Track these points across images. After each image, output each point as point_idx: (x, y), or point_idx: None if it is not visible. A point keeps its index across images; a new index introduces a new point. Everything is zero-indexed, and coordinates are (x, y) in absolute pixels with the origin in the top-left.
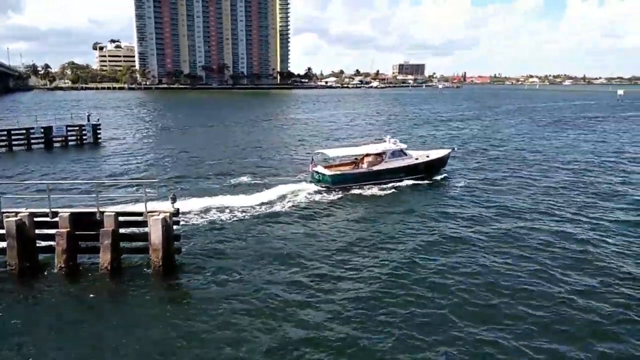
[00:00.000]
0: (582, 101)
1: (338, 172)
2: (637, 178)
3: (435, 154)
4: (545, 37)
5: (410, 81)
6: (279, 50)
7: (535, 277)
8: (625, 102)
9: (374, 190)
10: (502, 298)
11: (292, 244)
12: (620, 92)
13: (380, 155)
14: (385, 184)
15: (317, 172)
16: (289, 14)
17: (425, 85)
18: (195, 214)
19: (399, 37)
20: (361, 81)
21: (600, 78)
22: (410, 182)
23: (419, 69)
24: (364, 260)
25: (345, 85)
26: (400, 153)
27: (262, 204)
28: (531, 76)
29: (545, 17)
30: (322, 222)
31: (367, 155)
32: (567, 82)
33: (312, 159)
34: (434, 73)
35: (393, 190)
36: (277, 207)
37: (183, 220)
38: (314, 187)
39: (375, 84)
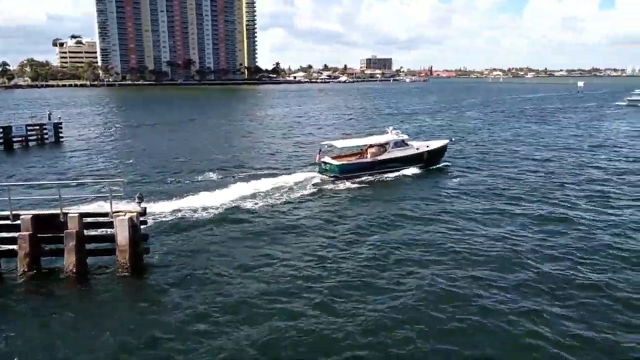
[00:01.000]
0: (545, 93)
1: (345, 162)
2: (601, 163)
3: (435, 144)
4: (508, 31)
5: (378, 75)
6: (246, 45)
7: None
8: (585, 94)
9: (379, 179)
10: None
11: (270, 238)
12: (580, 83)
13: (383, 146)
14: (389, 173)
15: (325, 163)
16: (255, 9)
17: (393, 80)
18: (164, 213)
19: (366, 33)
20: (329, 76)
21: (561, 70)
22: (412, 171)
23: (386, 63)
24: (348, 252)
25: (313, 80)
26: (402, 143)
27: (236, 199)
28: (495, 69)
29: (507, 12)
30: (301, 215)
31: (371, 146)
32: (530, 75)
33: (320, 150)
34: (401, 67)
35: (396, 179)
36: (249, 204)
37: (151, 219)
38: (281, 182)
39: (343, 78)
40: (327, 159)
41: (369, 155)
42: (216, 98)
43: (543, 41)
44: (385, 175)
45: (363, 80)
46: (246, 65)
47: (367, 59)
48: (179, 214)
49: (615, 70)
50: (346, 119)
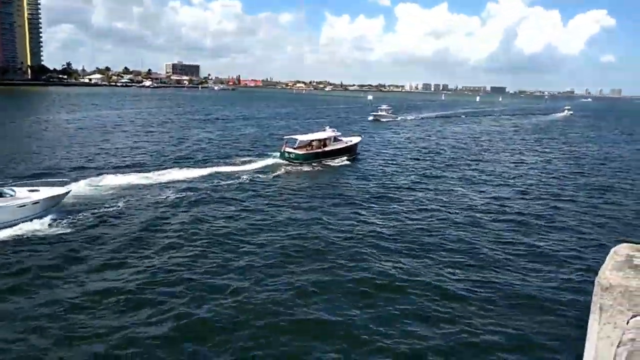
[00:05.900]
0: (344, 105)
1: (306, 152)
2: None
3: (355, 140)
4: (308, 47)
5: (185, 82)
6: (28, 41)
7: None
8: (374, 106)
9: (324, 164)
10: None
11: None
12: (370, 97)
13: (324, 140)
14: (330, 160)
15: (289, 152)
16: (39, 1)
17: (201, 87)
18: None
19: (170, 37)
20: (132, 80)
21: (354, 85)
22: (344, 159)
23: (193, 70)
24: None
25: (113, 84)
26: (337, 139)
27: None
28: (298, 82)
29: (306, 30)
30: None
31: (314, 140)
32: (328, 88)
33: (285, 142)
34: (209, 75)
35: (335, 164)
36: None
37: None
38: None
39: (148, 83)
40: (290, 150)
41: (314, 147)
42: None
43: (338, 57)
44: (328, 162)
45: (169, 86)
46: (29, 63)
47: (173, 64)
48: None
49: (397, 86)
50: (163, 131)
